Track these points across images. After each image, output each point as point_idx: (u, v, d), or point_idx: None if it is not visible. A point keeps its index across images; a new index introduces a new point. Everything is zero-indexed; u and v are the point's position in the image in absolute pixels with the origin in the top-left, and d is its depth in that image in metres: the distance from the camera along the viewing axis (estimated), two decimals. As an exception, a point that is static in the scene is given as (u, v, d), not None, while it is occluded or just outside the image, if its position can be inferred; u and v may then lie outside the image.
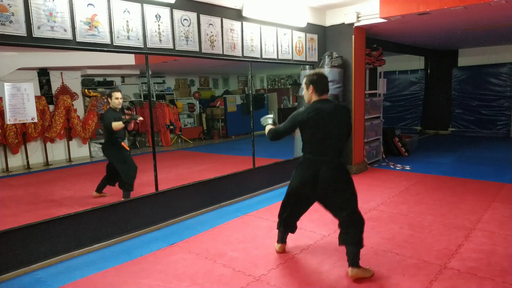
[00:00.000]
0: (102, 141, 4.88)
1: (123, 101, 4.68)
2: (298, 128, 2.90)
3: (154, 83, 10.53)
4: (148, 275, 3.04)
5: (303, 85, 2.95)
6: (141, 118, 4.64)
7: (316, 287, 2.75)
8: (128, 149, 4.63)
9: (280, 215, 3.26)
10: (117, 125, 4.44)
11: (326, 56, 6.13)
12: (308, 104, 2.91)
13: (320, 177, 2.80)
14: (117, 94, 4.59)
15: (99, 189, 4.86)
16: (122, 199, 4.32)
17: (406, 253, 3.21)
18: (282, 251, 3.32)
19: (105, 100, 4.87)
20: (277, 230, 3.33)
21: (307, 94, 2.92)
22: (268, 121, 3.12)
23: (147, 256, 3.41)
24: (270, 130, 3.03)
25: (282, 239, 3.32)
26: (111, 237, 3.79)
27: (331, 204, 2.91)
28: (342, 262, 3.09)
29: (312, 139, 2.85)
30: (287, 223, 3.24)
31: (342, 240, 2.85)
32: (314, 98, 2.87)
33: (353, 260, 2.78)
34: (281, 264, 3.13)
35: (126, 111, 4.73)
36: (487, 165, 6.63)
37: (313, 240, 3.55)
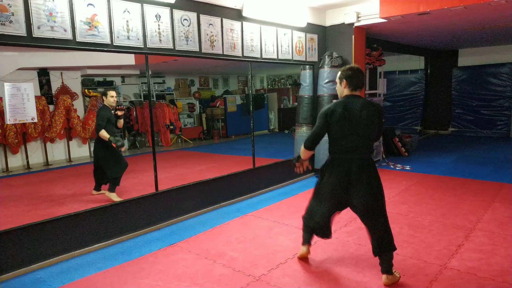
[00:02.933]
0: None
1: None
2: (327, 121, 2.69)
3: (154, 83, 10.53)
4: (148, 275, 3.04)
5: (337, 79, 2.81)
6: (123, 148, 4.76)
7: (316, 287, 2.75)
8: (114, 146, 4.64)
9: (310, 217, 2.98)
10: (104, 135, 4.50)
11: (326, 56, 6.13)
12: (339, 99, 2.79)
13: (352, 176, 2.64)
14: (112, 93, 4.70)
15: (97, 188, 4.90)
16: (106, 193, 4.51)
17: (406, 253, 3.21)
18: (308, 254, 3.15)
19: (101, 98, 4.94)
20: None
21: (340, 88, 2.79)
22: (296, 156, 2.97)
23: (147, 256, 3.41)
24: (305, 140, 2.82)
25: (308, 240, 3.12)
26: (111, 237, 3.79)
27: (361, 205, 2.67)
28: (342, 261, 3.09)
29: (338, 135, 2.67)
30: (322, 227, 2.94)
31: (376, 250, 2.69)
32: (346, 93, 2.75)
33: (388, 268, 2.68)
34: (281, 264, 3.12)
35: (117, 107, 4.79)
36: (487, 165, 6.63)
37: (313, 240, 3.54)
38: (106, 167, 4.65)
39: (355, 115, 2.63)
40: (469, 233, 3.60)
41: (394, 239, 2.71)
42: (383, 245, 2.66)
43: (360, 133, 2.64)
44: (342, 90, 2.77)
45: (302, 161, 2.95)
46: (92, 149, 8.20)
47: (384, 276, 2.70)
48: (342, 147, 2.68)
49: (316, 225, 2.94)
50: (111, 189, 4.61)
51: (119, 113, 4.76)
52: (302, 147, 2.85)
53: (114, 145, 4.49)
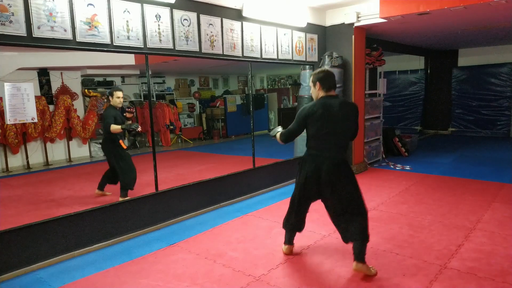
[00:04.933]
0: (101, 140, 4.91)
1: (123, 101, 4.74)
2: (305, 122, 2.88)
3: (154, 83, 10.53)
4: (148, 275, 3.04)
5: (310, 83, 2.97)
6: (139, 129, 4.68)
7: (316, 287, 2.75)
8: (125, 147, 4.64)
9: (287, 214, 3.19)
10: (115, 128, 4.46)
11: (326, 56, 6.13)
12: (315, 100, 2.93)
13: (322, 173, 2.80)
14: (119, 93, 4.62)
15: (101, 187, 4.86)
16: (120, 199, 4.34)
17: (406, 253, 3.21)
18: (290, 253, 3.28)
19: (105, 99, 4.91)
20: (284, 231, 3.27)
21: (314, 91, 2.94)
22: (277, 130, 3.14)
23: (147, 256, 3.41)
24: (281, 133, 3.05)
25: (289, 241, 3.28)
26: (111, 237, 3.79)
27: (332, 200, 2.87)
28: (342, 261, 3.09)
29: (316, 134, 2.83)
30: (294, 222, 3.16)
31: (348, 237, 2.85)
32: (321, 94, 2.89)
33: (359, 255, 2.78)
34: (281, 264, 3.13)
35: (127, 109, 4.77)
36: (487, 165, 6.63)
37: (313, 240, 3.55)
38: (118, 172, 4.60)
39: (334, 115, 2.79)
40: (469, 233, 3.60)
41: (370, 236, 2.85)
42: (354, 233, 2.81)
43: (337, 132, 2.81)
44: (317, 92, 2.93)
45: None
46: (92, 149, 8.24)
47: (354, 263, 2.82)
48: (318, 144, 2.86)
49: (292, 221, 3.15)
50: (123, 195, 4.49)
51: (128, 115, 4.76)
52: (278, 137, 3.07)
53: (131, 130, 4.50)
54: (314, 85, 2.92)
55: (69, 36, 3.29)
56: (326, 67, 6.05)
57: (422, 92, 11.26)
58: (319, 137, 2.83)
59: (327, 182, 2.80)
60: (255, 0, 4.94)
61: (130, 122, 4.80)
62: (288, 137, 3.02)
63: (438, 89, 11.21)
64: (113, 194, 4.81)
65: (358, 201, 2.85)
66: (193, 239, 3.78)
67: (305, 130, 2.94)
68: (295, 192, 3.07)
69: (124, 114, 4.71)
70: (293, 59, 5.85)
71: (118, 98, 4.60)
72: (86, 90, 8.27)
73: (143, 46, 3.87)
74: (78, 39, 3.35)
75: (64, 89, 7.92)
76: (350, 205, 2.82)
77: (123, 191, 4.53)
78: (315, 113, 2.80)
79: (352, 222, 2.81)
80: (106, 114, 4.54)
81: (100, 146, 7.74)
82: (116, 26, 3.60)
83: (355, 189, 2.85)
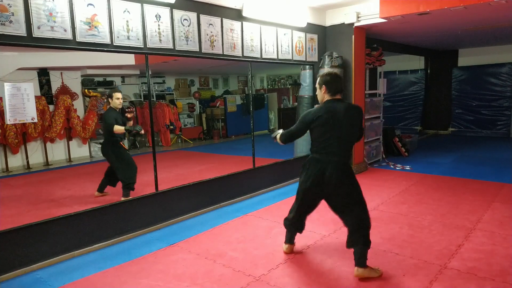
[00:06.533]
0: (101, 141, 4.93)
1: (123, 101, 4.75)
2: (308, 128, 2.88)
3: (154, 83, 10.53)
4: (148, 275, 3.04)
5: (316, 85, 2.95)
6: (143, 132, 4.75)
7: (316, 287, 2.75)
8: (126, 148, 4.67)
9: (289, 214, 3.22)
10: (118, 129, 4.47)
11: (326, 56, 6.13)
12: (321, 104, 2.93)
13: (325, 178, 2.79)
14: (118, 95, 4.62)
15: (101, 189, 4.87)
16: (122, 199, 4.34)
17: (406, 253, 3.21)
18: (290, 252, 3.30)
19: (105, 100, 4.92)
20: (285, 230, 3.30)
21: (320, 94, 2.92)
22: (278, 132, 3.14)
23: (147, 256, 3.41)
24: (282, 133, 3.05)
25: (290, 240, 3.30)
26: (111, 237, 3.79)
27: (336, 205, 2.89)
28: (342, 261, 3.10)
29: (320, 138, 2.82)
30: (295, 222, 3.19)
31: (349, 242, 2.85)
32: (327, 98, 2.87)
33: (359, 260, 2.78)
34: (281, 264, 3.13)
35: (126, 110, 4.79)
36: (487, 165, 6.63)
37: (313, 240, 3.55)
38: (118, 171, 4.61)
39: (339, 119, 2.77)
40: (469, 233, 3.60)
41: (370, 236, 2.84)
42: (354, 240, 2.82)
43: (342, 136, 2.79)
44: (323, 95, 2.90)
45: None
46: (92, 149, 8.24)
47: (355, 269, 2.81)
48: (322, 148, 2.83)
49: (291, 220, 3.17)
50: (126, 195, 4.50)
51: (129, 115, 4.79)
52: (278, 137, 3.07)
53: (135, 132, 4.58)
54: (320, 88, 2.89)
55: (69, 36, 3.29)
56: (326, 67, 6.05)
57: (422, 92, 11.26)
58: (323, 141, 2.81)
59: (330, 186, 2.79)
60: (255, 0, 4.94)
61: (131, 122, 4.82)
62: (288, 138, 3.02)
63: (438, 89, 11.21)
64: (112, 194, 4.81)
65: (360, 206, 2.83)
66: (193, 239, 3.78)
67: (309, 134, 2.94)
68: (298, 195, 3.07)
69: (126, 115, 4.73)
70: (293, 59, 5.85)
71: (117, 100, 4.59)
72: (86, 90, 8.27)
73: (143, 46, 3.87)
74: (78, 39, 3.35)
75: (64, 89, 7.92)
76: (351, 211, 2.81)
77: (125, 191, 4.54)
78: (320, 118, 2.78)
79: (352, 227, 2.81)
80: (107, 116, 4.54)
81: (100, 146, 7.75)
82: (116, 26, 3.60)
83: (357, 194, 2.84)
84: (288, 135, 3.00)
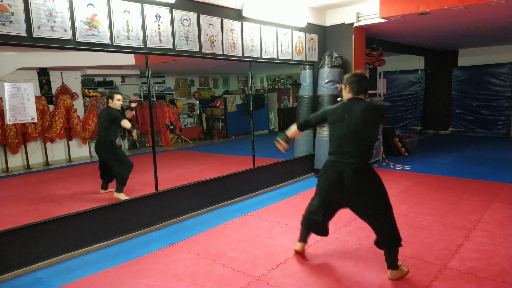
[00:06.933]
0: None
1: (123, 101, 4.91)
2: (324, 120, 2.94)
3: (154, 83, 10.53)
4: (148, 275, 3.04)
5: (343, 85, 2.95)
6: (135, 138, 5.18)
7: (316, 287, 2.75)
8: (118, 146, 4.88)
9: (306, 215, 3.10)
10: (126, 123, 4.69)
11: (326, 56, 6.13)
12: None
13: (345, 181, 2.67)
14: (119, 96, 4.82)
15: (104, 187, 5.00)
16: (114, 194, 4.58)
17: (406, 253, 3.21)
18: (302, 251, 3.22)
19: (105, 100, 5.02)
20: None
21: (344, 93, 2.94)
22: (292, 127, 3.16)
23: (147, 256, 3.41)
24: (298, 121, 3.14)
25: (304, 238, 3.20)
26: (111, 237, 3.79)
27: (358, 209, 2.78)
28: (342, 261, 3.09)
29: (336, 137, 2.78)
30: (314, 224, 3.03)
31: (379, 245, 2.82)
32: (349, 97, 2.88)
33: (390, 263, 2.76)
34: (281, 264, 3.12)
35: (132, 99, 5.05)
36: (487, 165, 6.63)
37: (313, 240, 3.55)
38: (112, 167, 4.74)
39: (355, 118, 2.72)
40: (469, 233, 3.60)
41: (400, 236, 2.75)
42: (384, 241, 2.75)
43: (358, 136, 2.70)
44: (346, 95, 2.91)
45: (287, 139, 3.15)
46: (91, 149, 8.24)
47: (388, 271, 2.77)
48: (338, 149, 2.78)
49: (313, 224, 3.04)
50: (119, 190, 4.66)
51: (133, 104, 5.03)
52: (295, 127, 3.12)
53: (134, 134, 4.85)
54: (345, 87, 2.90)
55: (69, 36, 3.29)
56: (326, 67, 6.06)
57: (422, 92, 11.25)
58: (339, 141, 2.75)
59: (351, 190, 2.68)
60: (255, 0, 4.94)
61: (132, 112, 5.10)
62: (304, 124, 3.15)
63: (438, 89, 11.21)
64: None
65: (384, 209, 2.72)
66: (193, 239, 3.78)
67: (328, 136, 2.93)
68: (315, 197, 3.01)
69: (130, 104, 5.02)
70: (293, 59, 5.85)
71: (118, 101, 4.77)
72: (86, 90, 8.28)
73: (143, 46, 3.87)
74: (78, 39, 3.35)
75: (64, 89, 7.92)
76: (374, 214, 2.72)
77: (120, 185, 4.67)
78: (335, 111, 2.82)
79: (378, 230, 2.75)
80: (112, 112, 4.69)
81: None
82: (116, 26, 3.61)
83: (382, 196, 2.73)
84: (304, 122, 3.15)
